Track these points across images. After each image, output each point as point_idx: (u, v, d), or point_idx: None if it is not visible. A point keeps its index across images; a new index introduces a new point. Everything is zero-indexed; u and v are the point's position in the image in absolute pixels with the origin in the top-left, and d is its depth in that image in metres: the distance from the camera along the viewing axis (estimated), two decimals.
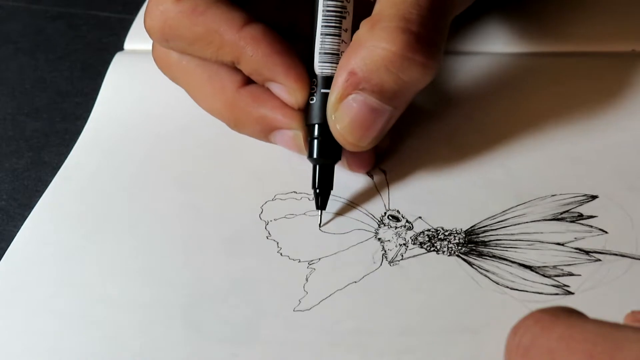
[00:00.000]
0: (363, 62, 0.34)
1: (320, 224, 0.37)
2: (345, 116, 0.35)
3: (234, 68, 0.37)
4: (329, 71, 0.36)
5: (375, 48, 0.34)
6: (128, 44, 0.49)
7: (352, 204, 0.38)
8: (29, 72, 0.50)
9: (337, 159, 0.37)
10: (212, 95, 0.38)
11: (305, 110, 0.37)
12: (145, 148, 0.42)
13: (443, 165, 0.39)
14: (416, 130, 0.41)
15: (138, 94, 0.45)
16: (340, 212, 0.37)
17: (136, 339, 0.33)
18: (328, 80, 0.36)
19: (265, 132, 0.37)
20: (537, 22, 0.45)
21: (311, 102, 0.36)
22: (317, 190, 0.37)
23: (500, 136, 0.40)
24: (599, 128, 0.39)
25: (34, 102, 0.48)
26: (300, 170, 0.39)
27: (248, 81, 0.37)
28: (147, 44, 0.48)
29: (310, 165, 0.37)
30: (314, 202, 0.37)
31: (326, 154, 0.36)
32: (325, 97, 0.36)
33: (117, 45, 0.49)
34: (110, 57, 0.47)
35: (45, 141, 0.45)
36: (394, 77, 0.34)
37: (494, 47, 0.44)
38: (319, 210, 0.37)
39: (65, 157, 0.42)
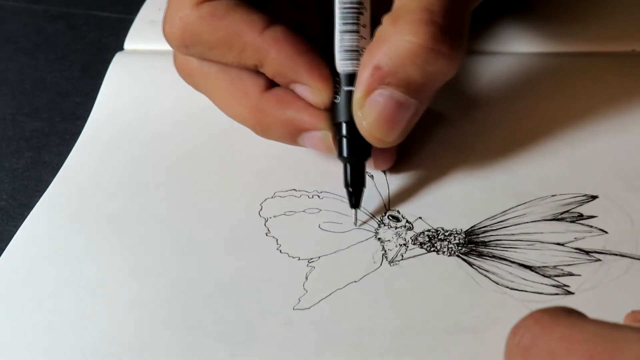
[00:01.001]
0: (388, 57, 0.34)
1: (355, 222, 0.37)
2: (372, 112, 0.35)
3: (256, 72, 0.37)
4: (351, 68, 0.35)
5: (401, 41, 0.34)
6: (128, 44, 0.49)
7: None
8: (29, 72, 0.50)
9: (367, 156, 0.36)
10: (236, 100, 0.37)
11: (330, 110, 0.36)
12: (145, 148, 0.42)
13: (443, 165, 0.39)
14: (416, 131, 0.40)
15: (138, 94, 0.45)
16: (340, 212, 0.37)
17: (136, 338, 0.33)
18: (350, 78, 0.35)
19: (293, 134, 0.37)
20: (536, 23, 0.45)
21: (336, 101, 0.36)
22: (350, 189, 0.36)
23: (500, 136, 0.40)
24: (599, 128, 0.39)
25: (34, 102, 0.48)
26: (300, 167, 0.39)
27: (271, 85, 0.37)
28: (147, 44, 0.48)
29: (308, 164, 0.37)
30: (313, 199, 0.37)
31: (356, 152, 0.36)
32: (349, 94, 0.35)
33: (117, 45, 0.49)
34: (110, 57, 0.47)
35: (45, 141, 0.45)
36: (420, 70, 0.34)
37: (493, 47, 0.44)
38: (354, 209, 0.37)
39: (65, 157, 0.42)
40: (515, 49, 0.44)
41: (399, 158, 0.39)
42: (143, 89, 0.45)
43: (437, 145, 0.40)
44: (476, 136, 0.40)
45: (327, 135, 0.36)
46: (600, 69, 0.42)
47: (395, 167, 0.39)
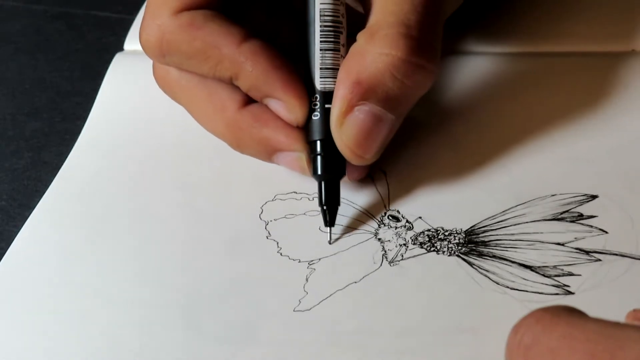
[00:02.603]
0: (367, 72, 0.34)
1: (330, 241, 0.36)
2: (352, 128, 0.35)
3: (233, 86, 0.36)
4: (331, 86, 0.35)
5: (379, 55, 0.34)
6: (128, 44, 0.49)
7: (352, 204, 0.38)
8: (29, 72, 0.50)
9: (342, 173, 0.36)
10: (213, 115, 0.37)
11: (306, 127, 0.36)
12: (145, 148, 0.42)
13: (443, 165, 0.39)
14: (416, 131, 0.41)
15: (138, 94, 0.45)
16: (340, 213, 0.37)
17: (136, 339, 0.33)
18: (329, 95, 0.35)
19: (268, 153, 0.37)
20: (536, 22, 0.45)
21: (314, 117, 0.36)
22: (325, 207, 0.36)
23: (500, 136, 0.40)
24: (599, 128, 0.39)
25: (34, 102, 0.47)
26: None
27: (248, 101, 0.37)
28: None
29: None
30: (313, 202, 0.37)
31: (331, 170, 0.36)
32: (328, 112, 0.35)
33: (117, 45, 0.49)
34: (110, 57, 0.47)
35: (45, 141, 0.45)
36: (398, 83, 0.34)
37: (493, 47, 0.44)
38: (328, 227, 0.36)
39: (65, 157, 0.42)
40: (514, 48, 0.44)
41: (399, 159, 0.39)
42: (143, 90, 0.45)
43: (436, 145, 0.40)
44: (476, 136, 0.40)
45: (302, 157, 0.36)
46: (601, 69, 0.42)
47: (395, 168, 0.39)
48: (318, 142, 0.36)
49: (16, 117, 0.47)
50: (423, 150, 0.39)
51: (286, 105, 0.36)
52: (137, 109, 0.44)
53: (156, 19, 0.36)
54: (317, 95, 0.36)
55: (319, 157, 0.36)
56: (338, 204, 0.36)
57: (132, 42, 0.49)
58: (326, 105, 0.35)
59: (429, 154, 0.39)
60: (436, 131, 0.40)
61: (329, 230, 0.36)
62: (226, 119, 0.37)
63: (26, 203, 0.40)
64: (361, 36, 0.35)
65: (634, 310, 0.27)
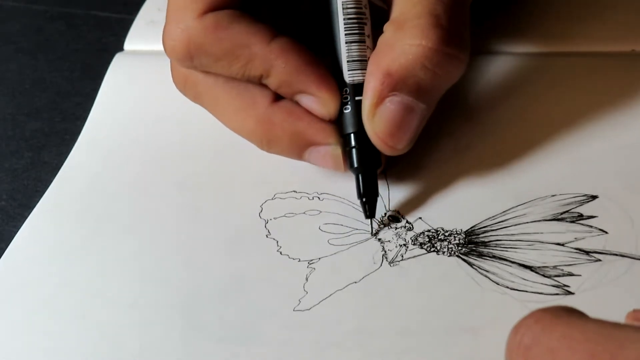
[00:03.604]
0: (397, 63, 0.34)
1: (372, 232, 0.36)
2: (384, 119, 0.35)
3: (261, 85, 0.36)
4: (360, 78, 0.36)
5: (410, 46, 0.34)
6: (128, 45, 0.49)
7: (352, 204, 0.38)
8: (29, 72, 0.50)
9: (378, 165, 0.36)
10: (243, 111, 0.37)
11: (337, 122, 0.36)
12: (145, 148, 0.42)
13: (443, 165, 0.39)
14: None
15: (138, 94, 0.45)
16: (340, 213, 0.37)
17: (136, 339, 0.33)
18: (359, 88, 0.35)
19: (301, 148, 0.37)
20: (536, 23, 0.45)
21: (346, 111, 0.36)
22: (364, 199, 0.36)
23: (500, 136, 0.40)
24: (599, 128, 0.39)
25: (34, 102, 0.47)
26: (300, 169, 0.39)
27: (277, 98, 0.37)
28: (147, 45, 0.48)
29: (308, 166, 0.37)
30: (313, 201, 0.37)
31: (367, 162, 0.36)
32: (359, 104, 0.35)
33: (117, 45, 0.49)
34: (110, 57, 0.47)
35: (45, 141, 0.45)
36: (430, 73, 0.34)
37: (493, 47, 0.44)
38: (369, 219, 0.36)
39: (65, 157, 0.42)
40: (514, 49, 0.44)
41: (399, 159, 0.39)
42: (143, 90, 0.45)
43: (436, 145, 0.40)
44: (476, 136, 0.40)
45: (337, 150, 0.36)
46: (600, 69, 0.42)
47: (395, 168, 0.39)
48: (352, 135, 0.36)
49: (16, 117, 0.47)
50: (423, 151, 0.39)
51: (319, 100, 0.36)
52: (137, 109, 0.44)
53: (180, 22, 0.35)
54: (347, 88, 0.36)
55: (354, 150, 0.36)
56: (377, 195, 0.36)
57: (132, 42, 0.49)
58: (356, 98, 0.36)
59: (429, 154, 0.39)
60: (437, 131, 0.40)
61: (370, 223, 0.36)
62: (257, 115, 0.37)
63: (26, 203, 0.40)
64: (388, 27, 0.35)
65: (634, 311, 0.27)
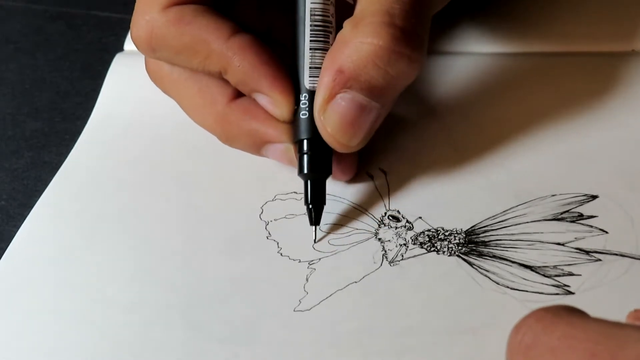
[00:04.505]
0: (350, 59, 0.34)
1: (315, 240, 0.36)
2: (335, 116, 0.35)
3: (223, 80, 0.37)
4: None
5: (362, 44, 0.34)
6: (128, 44, 0.49)
7: (352, 204, 0.38)
8: (29, 72, 0.50)
9: (328, 173, 0.36)
10: (202, 108, 0.38)
11: (293, 125, 0.36)
12: (145, 148, 0.42)
13: (443, 165, 0.39)
14: (416, 131, 0.41)
15: (138, 94, 0.45)
16: (340, 213, 0.37)
17: (136, 339, 0.33)
18: None
19: (257, 145, 0.37)
20: (537, 22, 0.45)
21: (302, 116, 0.36)
22: (310, 206, 0.36)
23: (500, 136, 0.40)
24: (599, 128, 0.39)
25: (34, 102, 0.47)
26: None
27: (238, 95, 0.37)
28: None
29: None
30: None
31: (317, 169, 0.36)
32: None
33: (117, 45, 0.49)
34: (110, 57, 0.47)
35: (45, 141, 0.45)
36: (382, 72, 0.34)
37: (493, 47, 0.44)
38: (313, 226, 0.36)
39: (65, 157, 0.42)
40: (515, 48, 0.44)
41: (400, 159, 0.39)
42: (143, 89, 0.45)
43: (437, 145, 0.40)
44: (476, 136, 0.40)
45: (290, 149, 0.37)
46: (601, 69, 0.42)
47: (395, 168, 0.39)
48: (305, 141, 0.36)
49: (16, 117, 0.47)
50: (423, 150, 0.39)
51: (272, 101, 0.36)
52: (137, 109, 0.44)
53: (146, 14, 0.36)
54: (306, 94, 0.36)
55: (305, 156, 0.36)
56: (324, 203, 0.36)
57: (132, 42, 0.48)
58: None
59: (429, 154, 0.39)
60: (437, 131, 0.40)
61: (314, 230, 0.36)
62: (216, 112, 0.37)
63: (26, 203, 0.40)
64: (346, 25, 0.35)
65: (635, 310, 0.27)
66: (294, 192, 0.39)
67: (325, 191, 0.36)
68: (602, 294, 0.32)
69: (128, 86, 0.46)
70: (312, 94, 0.35)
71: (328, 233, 0.37)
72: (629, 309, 0.28)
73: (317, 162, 0.36)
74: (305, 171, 0.36)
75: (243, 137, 0.37)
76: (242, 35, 0.36)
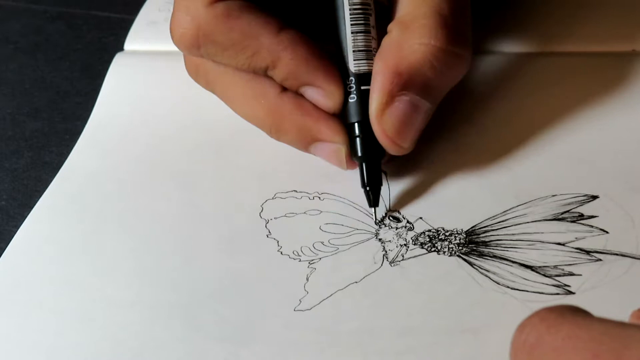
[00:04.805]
0: (407, 62, 0.34)
1: (375, 221, 0.37)
2: (393, 119, 0.35)
3: (268, 77, 0.37)
4: (365, 68, 0.36)
5: (419, 45, 0.34)
6: (128, 44, 0.49)
7: (352, 204, 0.38)
8: (29, 72, 0.50)
9: (382, 154, 0.37)
10: (253, 100, 0.37)
11: (342, 111, 0.36)
12: (145, 148, 0.42)
13: (443, 166, 0.39)
14: None
15: (138, 94, 0.45)
16: (341, 213, 0.37)
17: (136, 338, 0.33)
18: (364, 77, 0.36)
19: (307, 142, 0.37)
20: (536, 23, 0.45)
21: (351, 100, 0.36)
22: (368, 188, 0.36)
23: (500, 136, 0.40)
24: (600, 128, 0.39)
25: (34, 102, 0.47)
26: (301, 169, 0.39)
27: (283, 90, 0.37)
28: (147, 45, 0.48)
29: (309, 165, 0.37)
30: (314, 201, 0.37)
31: (371, 151, 0.36)
32: (364, 94, 0.36)
33: (117, 45, 0.49)
34: (110, 57, 0.47)
35: (45, 141, 0.45)
36: (437, 72, 0.35)
37: (493, 47, 0.44)
38: (373, 208, 0.37)
39: (65, 157, 0.42)
40: (514, 48, 0.44)
41: (400, 159, 0.39)
42: (143, 90, 0.45)
43: (437, 145, 0.40)
44: (476, 136, 0.40)
45: (341, 149, 0.37)
46: (601, 69, 0.42)
47: (395, 168, 0.39)
48: (356, 124, 0.36)
49: (16, 117, 0.47)
50: (424, 151, 0.39)
51: (325, 93, 0.36)
52: (137, 109, 0.44)
53: (189, 11, 0.36)
54: (352, 78, 0.36)
55: (358, 139, 0.36)
56: (380, 184, 0.37)
57: (132, 42, 0.49)
58: (362, 87, 0.36)
59: (430, 155, 0.39)
60: (437, 132, 0.40)
61: (374, 211, 0.37)
62: (267, 104, 0.37)
63: (26, 203, 0.40)
64: (394, 27, 0.35)
65: (639, 310, 0.27)
66: (294, 191, 0.39)
67: (381, 172, 0.37)
68: (602, 294, 0.32)
69: (128, 86, 0.46)
70: (357, 77, 0.36)
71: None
72: (630, 308, 0.28)
73: (370, 144, 0.36)
74: (360, 154, 0.36)
75: (294, 131, 0.37)
76: (289, 30, 0.36)
